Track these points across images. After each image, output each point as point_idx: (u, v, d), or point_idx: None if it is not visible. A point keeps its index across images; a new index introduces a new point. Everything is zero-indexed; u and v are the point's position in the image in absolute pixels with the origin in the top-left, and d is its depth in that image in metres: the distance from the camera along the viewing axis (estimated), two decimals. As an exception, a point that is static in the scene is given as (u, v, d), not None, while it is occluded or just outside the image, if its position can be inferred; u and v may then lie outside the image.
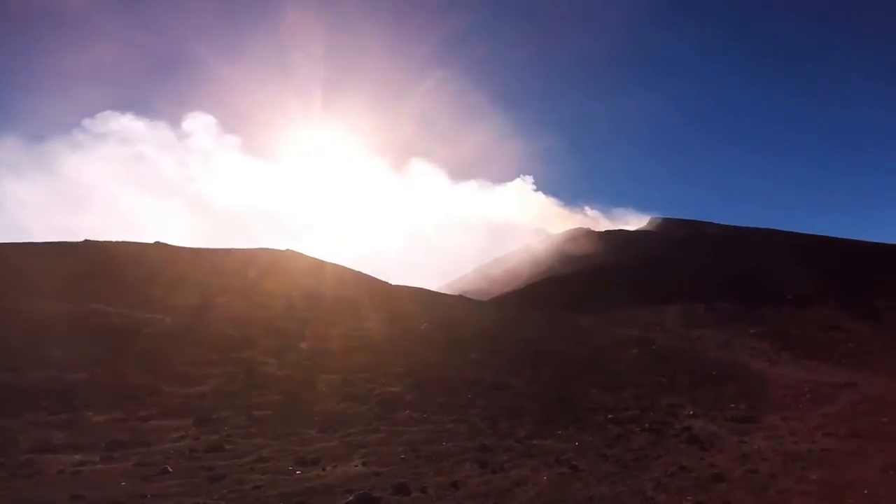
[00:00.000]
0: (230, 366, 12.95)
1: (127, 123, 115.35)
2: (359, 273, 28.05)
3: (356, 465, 8.24)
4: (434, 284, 40.96)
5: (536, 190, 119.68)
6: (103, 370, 11.59)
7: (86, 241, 24.71)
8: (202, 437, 9.17)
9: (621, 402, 13.51)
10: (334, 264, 28.71)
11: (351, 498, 6.84)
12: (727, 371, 17.53)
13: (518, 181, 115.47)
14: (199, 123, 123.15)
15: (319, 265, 27.67)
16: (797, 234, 60.71)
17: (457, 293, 39.07)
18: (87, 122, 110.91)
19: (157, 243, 25.77)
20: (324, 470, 7.97)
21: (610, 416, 12.04)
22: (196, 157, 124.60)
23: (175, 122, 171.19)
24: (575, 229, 77.71)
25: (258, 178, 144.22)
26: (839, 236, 59.17)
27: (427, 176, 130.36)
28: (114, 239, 26.07)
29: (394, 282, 28.91)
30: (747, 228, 64.65)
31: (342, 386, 12.60)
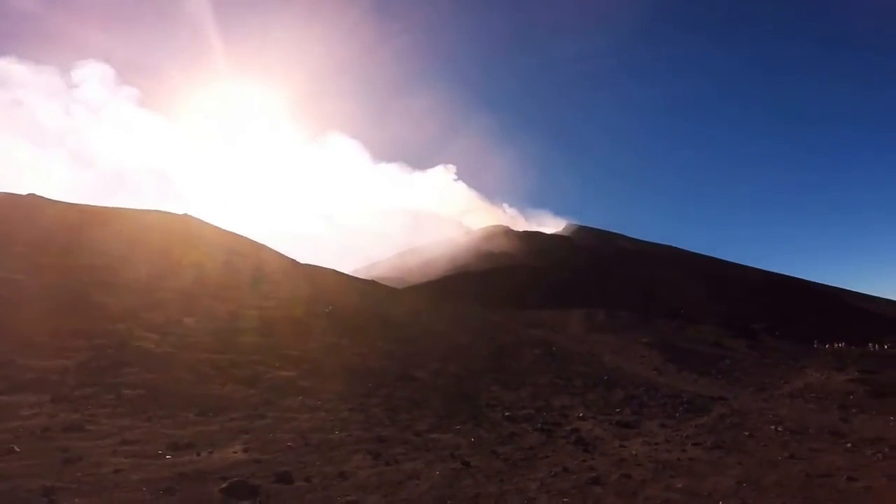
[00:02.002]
0: (101, 338, 11.51)
1: (6, 66, 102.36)
2: (261, 246, 26.38)
3: (235, 452, 7.61)
4: (346, 268, 39.86)
5: (458, 180, 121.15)
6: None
7: None
8: (60, 415, 8.06)
9: (519, 400, 13.78)
10: (235, 234, 26.82)
11: (225, 485, 6.23)
12: (618, 376, 18.51)
13: (440, 168, 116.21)
14: (92, 72, 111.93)
15: (218, 234, 25.72)
16: (697, 254, 66.44)
17: (370, 279, 38.33)
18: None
19: (31, 195, 22.75)
20: (198, 455, 7.26)
21: (507, 413, 12.23)
22: (85, 107, 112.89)
23: (66, 69, 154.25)
24: (494, 226, 79.56)
25: (154, 135, 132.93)
26: (734, 261, 65.56)
27: (346, 152, 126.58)
28: None
29: (301, 260, 27.54)
30: (654, 244, 69.59)
31: (228, 367, 11.64)
